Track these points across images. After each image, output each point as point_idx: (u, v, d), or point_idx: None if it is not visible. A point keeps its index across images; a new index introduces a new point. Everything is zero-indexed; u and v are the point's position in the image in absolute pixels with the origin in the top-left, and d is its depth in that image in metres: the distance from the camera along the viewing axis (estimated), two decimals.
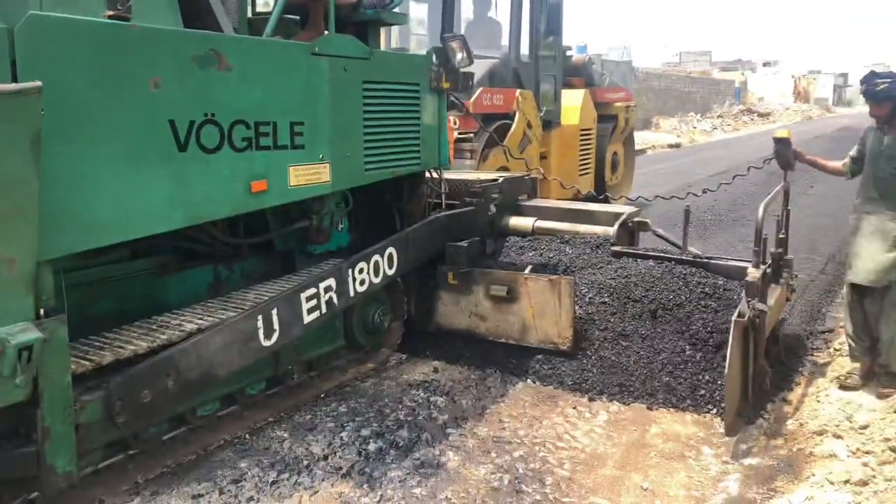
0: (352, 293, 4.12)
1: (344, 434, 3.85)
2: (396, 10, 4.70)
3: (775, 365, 4.55)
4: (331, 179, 3.96)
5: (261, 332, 3.55)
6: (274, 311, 3.62)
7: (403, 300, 4.88)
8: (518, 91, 7.78)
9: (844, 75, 66.74)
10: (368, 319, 4.63)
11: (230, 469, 3.49)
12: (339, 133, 3.99)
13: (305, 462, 3.56)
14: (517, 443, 3.81)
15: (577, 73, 9.92)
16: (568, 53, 9.82)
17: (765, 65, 65.20)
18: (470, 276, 4.77)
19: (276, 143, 3.61)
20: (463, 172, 5.89)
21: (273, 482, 3.38)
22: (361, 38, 4.26)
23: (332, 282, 3.97)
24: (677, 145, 23.78)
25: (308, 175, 3.81)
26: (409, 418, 4.07)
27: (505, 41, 8.40)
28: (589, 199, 7.63)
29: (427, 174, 4.96)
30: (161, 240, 3.50)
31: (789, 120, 39.12)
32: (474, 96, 7.02)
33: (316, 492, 3.32)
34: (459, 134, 7.09)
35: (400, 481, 3.41)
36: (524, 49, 8.36)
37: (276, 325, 3.63)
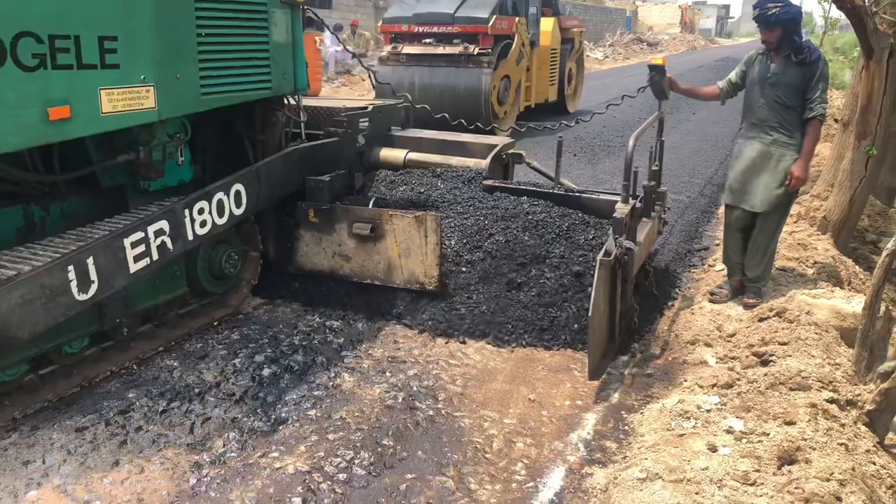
0: (190, 237, 3.66)
1: (237, 361, 3.74)
2: None
3: (647, 298, 4.49)
4: (157, 105, 3.40)
5: (73, 284, 3.06)
6: (90, 260, 3.12)
7: (258, 241, 4.45)
8: (517, 18, 10.41)
9: (727, 7, 68.65)
10: (216, 264, 4.17)
11: (117, 400, 3.35)
12: (167, 51, 3.43)
13: (197, 390, 3.45)
14: (411, 362, 3.82)
15: (547, 4, 12.39)
16: None
17: None
18: (332, 213, 4.38)
19: (81, 61, 3.02)
20: (327, 99, 5.41)
21: (163, 411, 3.27)
22: None
23: (164, 224, 3.49)
24: None
25: (126, 100, 3.25)
26: (304, 343, 3.98)
27: None
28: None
29: (285, 101, 4.47)
30: None
31: (675, 50, 40.01)
32: (491, 22, 9.59)
33: (208, 418, 3.23)
34: (480, 49, 9.53)
35: (294, 404, 3.38)
36: None
37: (93, 276, 3.14)
